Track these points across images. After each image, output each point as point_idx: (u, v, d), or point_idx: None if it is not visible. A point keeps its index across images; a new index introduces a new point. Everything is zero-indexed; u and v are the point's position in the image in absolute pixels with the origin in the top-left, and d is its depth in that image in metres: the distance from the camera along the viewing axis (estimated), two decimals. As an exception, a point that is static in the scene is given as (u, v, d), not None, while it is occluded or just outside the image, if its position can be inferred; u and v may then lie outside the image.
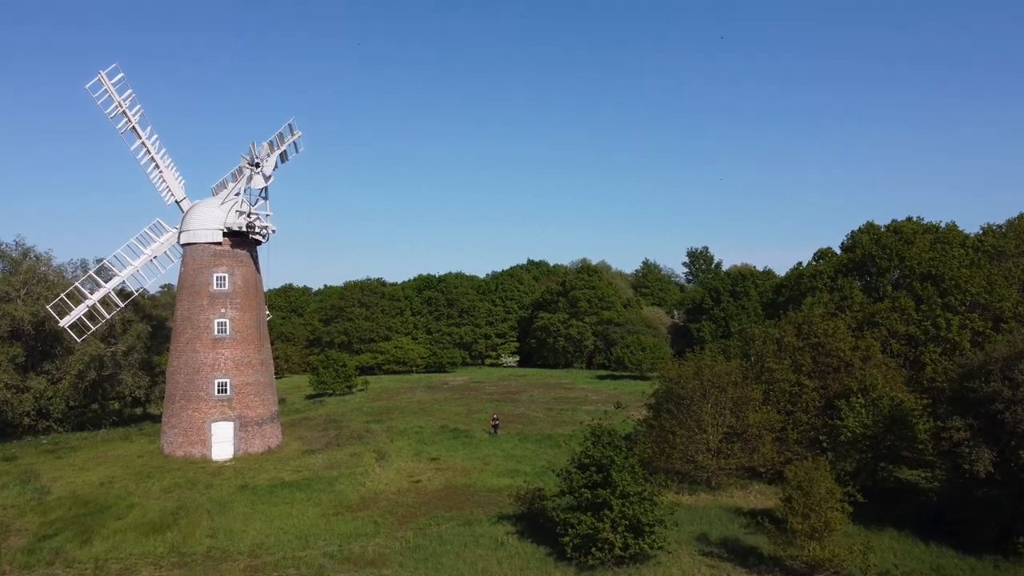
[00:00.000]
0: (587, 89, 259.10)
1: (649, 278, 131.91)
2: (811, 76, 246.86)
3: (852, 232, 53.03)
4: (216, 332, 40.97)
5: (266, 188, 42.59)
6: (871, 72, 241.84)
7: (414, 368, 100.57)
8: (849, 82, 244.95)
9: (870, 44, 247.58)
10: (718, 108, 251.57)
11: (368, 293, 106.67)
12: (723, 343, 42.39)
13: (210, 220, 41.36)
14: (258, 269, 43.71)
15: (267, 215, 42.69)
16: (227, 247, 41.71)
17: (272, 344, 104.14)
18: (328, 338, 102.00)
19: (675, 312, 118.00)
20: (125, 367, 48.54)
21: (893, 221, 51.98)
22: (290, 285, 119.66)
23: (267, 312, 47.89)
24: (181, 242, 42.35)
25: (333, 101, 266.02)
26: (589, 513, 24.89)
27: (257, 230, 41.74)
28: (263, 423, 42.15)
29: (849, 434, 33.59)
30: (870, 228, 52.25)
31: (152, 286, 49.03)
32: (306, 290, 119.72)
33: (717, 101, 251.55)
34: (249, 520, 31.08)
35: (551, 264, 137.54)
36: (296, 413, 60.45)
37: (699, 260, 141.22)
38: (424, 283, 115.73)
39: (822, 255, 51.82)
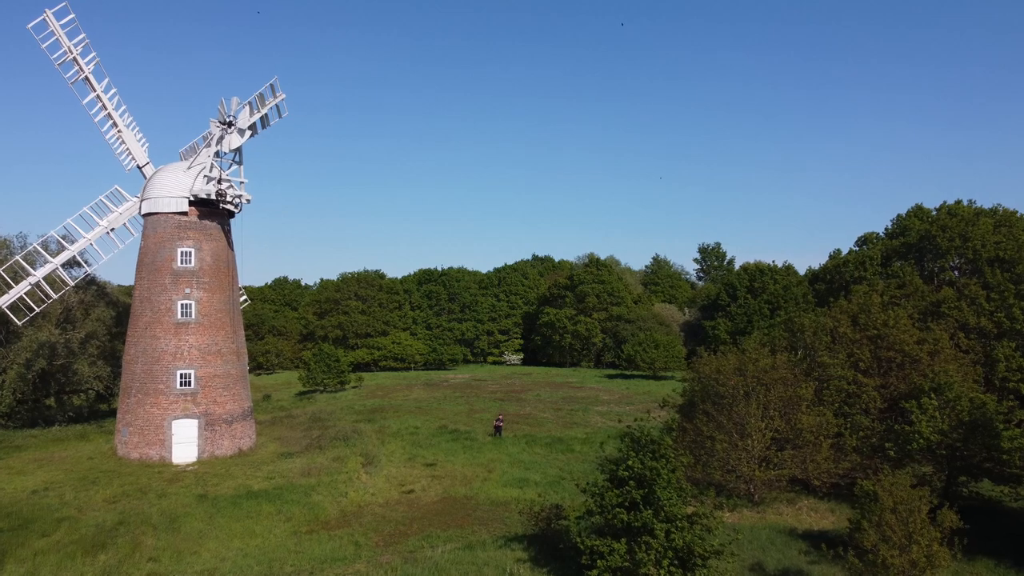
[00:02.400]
0: (592, 84, 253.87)
1: (660, 274, 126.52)
2: (813, 74, 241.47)
3: (899, 216, 47.49)
4: (179, 315, 35.47)
5: (240, 152, 37.15)
6: (873, 70, 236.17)
7: (412, 365, 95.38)
8: (850, 81, 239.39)
9: (870, 43, 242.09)
10: (722, 105, 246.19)
11: (365, 285, 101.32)
12: (768, 334, 36.76)
13: (175, 187, 35.91)
14: (230, 245, 38.21)
15: (241, 182, 37.22)
16: (194, 218, 36.23)
17: (263, 338, 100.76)
18: (322, 332, 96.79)
19: (686, 309, 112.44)
20: (81, 356, 42.96)
21: (944, 203, 46.45)
22: (284, 278, 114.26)
23: (243, 296, 42.33)
24: (142, 212, 36.88)
25: (333, 91, 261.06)
26: (624, 540, 19.39)
27: (229, 199, 36.25)
28: (233, 421, 36.63)
29: (922, 441, 28.00)
30: (920, 211, 46.64)
31: (110, 263, 43.11)
32: (298, 283, 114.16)
33: (722, 98, 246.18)
34: (204, 539, 25.65)
35: (556, 260, 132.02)
36: (280, 411, 54.96)
37: (711, 257, 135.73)
38: (425, 276, 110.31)
39: (865, 240, 46.20)
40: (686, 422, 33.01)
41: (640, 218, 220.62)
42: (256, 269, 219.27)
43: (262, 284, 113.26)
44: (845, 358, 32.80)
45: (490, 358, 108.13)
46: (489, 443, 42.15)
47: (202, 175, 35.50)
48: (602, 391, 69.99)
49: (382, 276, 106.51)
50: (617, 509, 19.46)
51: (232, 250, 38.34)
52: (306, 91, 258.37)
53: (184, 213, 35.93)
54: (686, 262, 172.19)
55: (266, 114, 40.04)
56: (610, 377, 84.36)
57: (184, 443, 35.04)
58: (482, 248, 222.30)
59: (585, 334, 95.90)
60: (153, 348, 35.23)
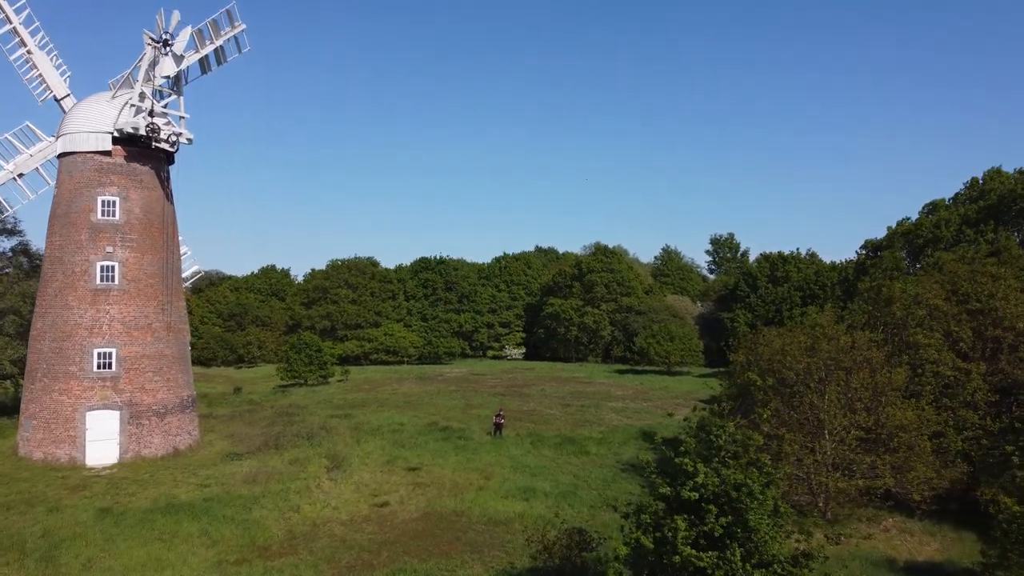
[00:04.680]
0: (595, 72, 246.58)
1: (670, 266, 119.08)
2: (825, 65, 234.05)
3: (974, 180, 40.33)
4: (98, 280, 28.32)
5: (180, 80, 29.99)
6: (879, 55, 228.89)
7: (406, 359, 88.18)
8: (857, 73, 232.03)
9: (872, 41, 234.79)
10: (727, 99, 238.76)
11: (356, 273, 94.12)
12: (841, 309, 29.52)
13: (95, 120, 28.81)
14: (168, 196, 31.03)
15: (181, 117, 30.04)
16: (119, 160, 29.10)
17: (243, 328, 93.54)
18: (309, 323, 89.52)
19: (699, 303, 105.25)
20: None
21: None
22: (272, 267, 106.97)
23: (194, 265, 35.04)
24: (58, 151, 29.70)
25: (327, 73, 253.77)
26: (694, 593, 12.18)
27: (163, 136, 29.06)
28: (167, 414, 29.43)
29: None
30: (998, 174, 39.46)
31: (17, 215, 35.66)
32: (285, 273, 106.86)
33: (727, 91, 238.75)
34: (89, 573, 18.50)
35: (560, 252, 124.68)
36: (247, 404, 47.70)
37: (723, 248, 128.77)
38: (421, 265, 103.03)
39: (934, 207, 38.96)
40: (742, 417, 25.75)
41: (646, 210, 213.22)
42: (242, 257, 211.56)
43: (247, 273, 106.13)
44: (942, 338, 25.59)
45: (489, 352, 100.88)
46: (487, 443, 35.03)
47: (130, 105, 28.31)
48: (613, 386, 62.90)
49: (375, 264, 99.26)
50: (688, 552, 12.13)
51: (171, 203, 31.16)
52: (298, 74, 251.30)
53: (107, 153, 28.79)
54: (696, 255, 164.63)
55: (221, 47, 33.15)
56: (620, 372, 77.34)
57: (101, 440, 27.85)
58: (482, 240, 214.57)
59: (592, 326, 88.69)
60: (64, 320, 28.06)
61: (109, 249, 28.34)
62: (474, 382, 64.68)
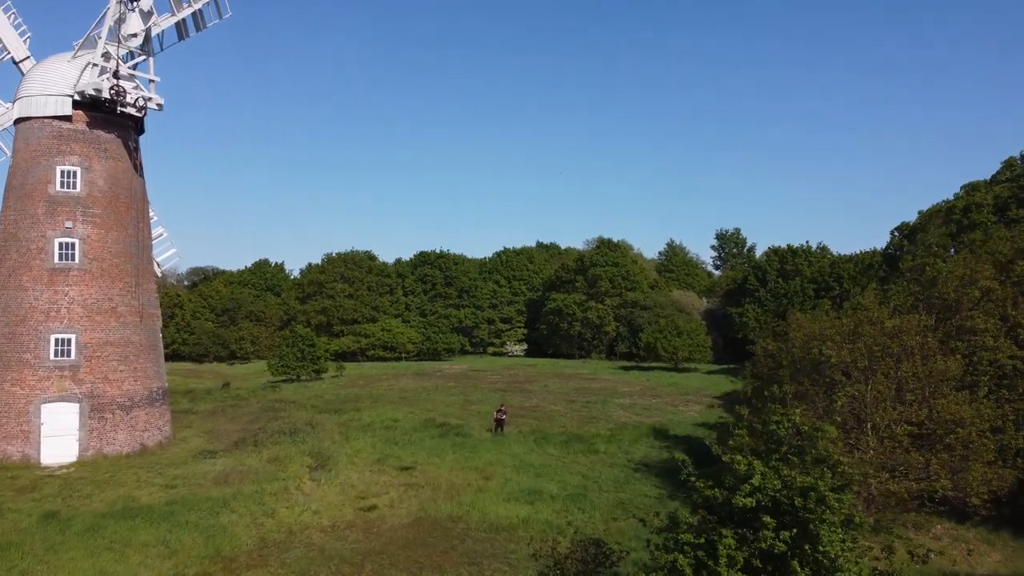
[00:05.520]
0: (597, 67, 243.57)
1: (674, 261, 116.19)
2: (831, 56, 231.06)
3: (1011, 159, 37.52)
4: (57, 258, 25.55)
5: (150, 39, 27.19)
6: (890, 54, 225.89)
7: (404, 355, 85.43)
8: (867, 66, 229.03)
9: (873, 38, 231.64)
10: (732, 94, 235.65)
11: (353, 267, 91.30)
12: (883, 291, 26.69)
13: (55, 82, 26.08)
14: (137, 168, 28.25)
15: (151, 80, 27.24)
16: (81, 126, 26.34)
17: (236, 324, 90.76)
18: (304, 318, 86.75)
19: (704, 299, 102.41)
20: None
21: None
22: (265, 261, 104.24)
23: (171, 248, 32.18)
24: (14, 117, 26.91)
25: (324, 63, 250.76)
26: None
27: (131, 100, 26.23)
28: (134, 407, 26.65)
29: None
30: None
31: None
32: (280, 267, 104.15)
33: (726, 91, 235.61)
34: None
35: (563, 248, 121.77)
36: (232, 399, 44.92)
37: (729, 243, 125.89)
38: (421, 259, 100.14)
39: (973, 188, 36.17)
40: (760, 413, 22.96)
41: (648, 207, 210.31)
42: (240, 254, 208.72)
43: (240, 268, 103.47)
44: (999, 323, 22.80)
45: (490, 349, 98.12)
46: (487, 441, 32.28)
47: (91, 65, 25.52)
48: (619, 383, 60.16)
49: (372, 257, 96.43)
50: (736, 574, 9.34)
51: (140, 175, 28.37)
52: (296, 68, 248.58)
53: (67, 118, 26.01)
54: (701, 250, 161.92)
55: (200, 11, 30.34)
56: (625, 369, 74.52)
57: (59, 436, 25.06)
58: (482, 235, 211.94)
59: (596, 322, 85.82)
60: (18, 302, 25.29)
61: (69, 224, 25.56)
62: (474, 378, 61.97)
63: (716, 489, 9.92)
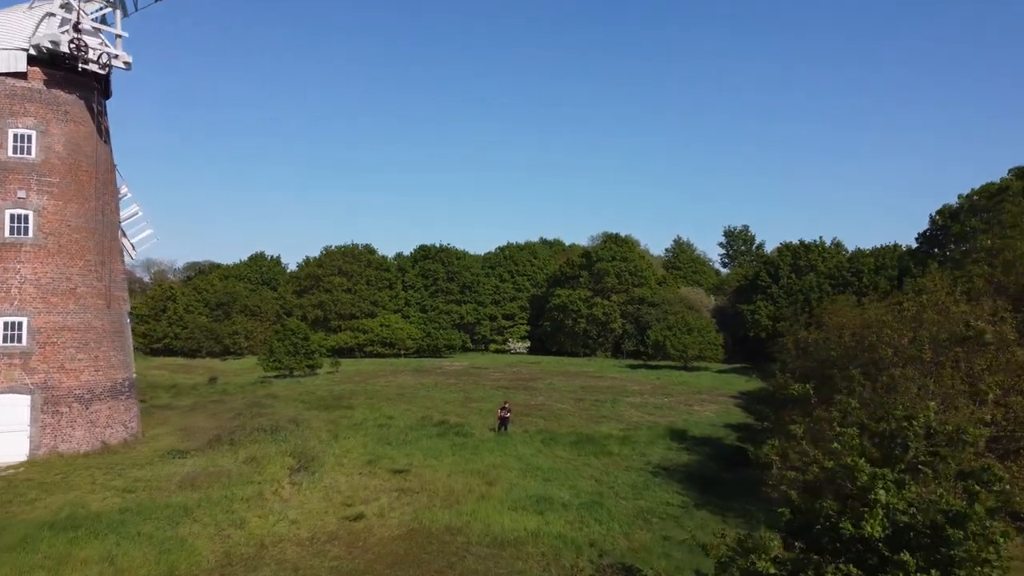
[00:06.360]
0: (601, 61, 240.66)
1: (682, 258, 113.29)
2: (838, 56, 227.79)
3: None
4: (7, 232, 22.73)
5: (116, -10, 24.30)
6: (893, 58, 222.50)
7: (403, 351, 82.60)
8: (878, 61, 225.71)
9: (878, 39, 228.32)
10: (736, 90, 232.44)
11: (351, 260, 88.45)
12: (951, 273, 23.67)
13: (8, 34, 23.26)
14: (102, 134, 25.33)
15: (118, 36, 24.36)
16: (37, 84, 23.48)
17: (231, 318, 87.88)
18: (300, 312, 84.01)
19: (712, 297, 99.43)
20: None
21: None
22: (261, 254, 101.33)
23: (147, 229, 29.22)
24: (-37, 76, 24.10)
25: (321, 57, 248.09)
26: None
27: (93, 56, 23.36)
28: (94, 400, 23.80)
29: None
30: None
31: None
32: (277, 260, 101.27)
33: (727, 89, 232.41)
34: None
35: (567, 244, 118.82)
36: (217, 395, 42.04)
37: (738, 240, 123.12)
38: (421, 253, 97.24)
39: (1021, 172, 33.15)
40: (794, 414, 20.00)
41: (654, 204, 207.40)
42: (238, 248, 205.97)
43: (236, 261, 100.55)
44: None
45: (492, 346, 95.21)
46: (490, 441, 29.41)
47: (50, 16, 22.66)
48: (628, 381, 57.27)
49: (372, 251, 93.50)
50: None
51: (106, 143, 25.47)
52: (295, 63, 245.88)
53: (21, 75, 23.18)
54: (708, 248, 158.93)
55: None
56: (632, 367, 71.64)
57: (7, 432, 22.21)
58: (485, 232, 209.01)
59: (602, 319, 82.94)
60: (-38, 282, 22.42)
61: (22, 194, 22.74)
62: (476, 375, 59.11)
63: (844, 520, 6.98)
